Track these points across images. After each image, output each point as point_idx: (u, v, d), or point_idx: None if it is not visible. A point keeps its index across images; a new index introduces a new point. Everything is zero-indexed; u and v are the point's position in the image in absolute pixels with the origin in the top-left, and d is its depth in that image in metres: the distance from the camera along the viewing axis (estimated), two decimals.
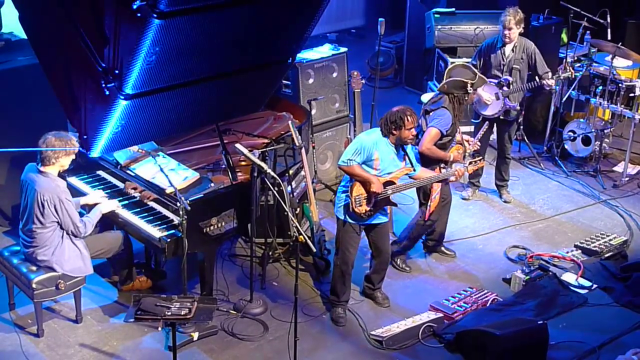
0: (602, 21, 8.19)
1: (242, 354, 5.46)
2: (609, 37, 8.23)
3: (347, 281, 5.81)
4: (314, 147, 7.00)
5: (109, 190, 5.85)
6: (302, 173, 6.59)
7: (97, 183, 6.00)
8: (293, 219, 5.54)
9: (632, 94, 7.98)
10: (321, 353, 5.53)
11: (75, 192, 5.81)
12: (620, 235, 7.00)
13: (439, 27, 8.88)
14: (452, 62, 8.16)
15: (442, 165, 6.02)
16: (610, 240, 6.88)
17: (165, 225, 5.48)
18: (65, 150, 5.22)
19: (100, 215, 5.54)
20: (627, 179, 8.06)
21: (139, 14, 3.73)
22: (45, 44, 4.51)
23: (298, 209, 6.39)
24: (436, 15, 8.97)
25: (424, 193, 6.24)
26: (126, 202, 5.73)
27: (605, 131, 8.26)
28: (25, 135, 5.55)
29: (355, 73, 6.99)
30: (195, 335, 5.37)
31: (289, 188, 6.11)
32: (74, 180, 6.01)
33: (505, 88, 7.14)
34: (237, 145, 5.48)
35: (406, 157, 5.66)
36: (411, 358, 5.50)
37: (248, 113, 6.10)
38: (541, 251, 6.72)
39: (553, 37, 8.81)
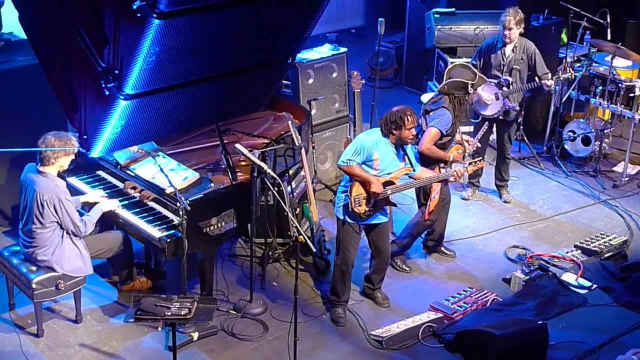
0: (602, 21, 8.19)
1: (242, 354, 5.46)
2: (609, 37, 8.23)
3: (347, 281, 5.81)
4: (313, 147, 7.00)
5: (109, 191, 5.85)
6: (302, 173, 6.59)
7: (97, 183, 6.00)
8: (293, 219, 5.54)
9: (632, 94, 7.98)
10: (321, 353, 5.53)
11: (75, 193, 5.81)
12: (620, 236, 7.00)
13: (439, 27, 8.88)
14: (451, 62, 8.16)
15: (442, 165, 6.02)
16: (610, 240, 6.88)
17: (165, 226, 5.48)
18: (64, 150, 5.21)
19: (101, 213, 5.54)
20: (626, 179, 8.06)
21: (138, 14, 3.74)
22: (45, 44, 4.51)
23: (298, 209, 6.39)
24: (436, 16, 8.97)
25: (424, 193, 6.24)
26: (126, 202, 5.73)
27: (605, 131, 8.26)
28: (25, 136, 5.55)
29: (355, 73, 6.99)
30: (195, 336, 5.37)
31: (288, 188, 6.11)
32: (73, 180, 6.01)
33: (505, 88, 7.14)
34: (237, 146, 5.48)
35: (406, 157, 5.66)
36: (411, 358, 5.50)
37: (248, 113, 6.11)
38: (541, 251, 6.72)
39: (553, 37, 8.82)
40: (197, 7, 3.94)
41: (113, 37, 3.95)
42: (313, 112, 7.25)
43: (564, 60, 8.26)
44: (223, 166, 5.75)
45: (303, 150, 6.10)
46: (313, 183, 6.69)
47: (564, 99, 8.44)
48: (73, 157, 5.41)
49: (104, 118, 4.29)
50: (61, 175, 5.48)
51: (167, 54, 4.05)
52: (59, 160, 5.28)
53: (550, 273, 6.38)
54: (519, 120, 7.79)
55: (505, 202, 7.65)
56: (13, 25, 6.81)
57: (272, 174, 5.46)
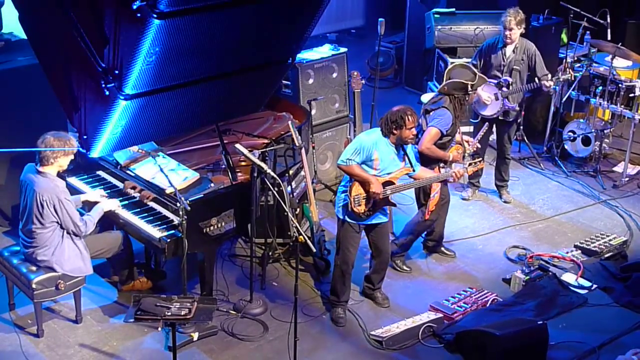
0: (602, 21, 8.19)
1: (242, 354, 5.46)
2: (609, 38, 8.23)
3: (347, 281, 5.81)
4: (313, 148, 7.00)
5: (109, 191, 5.85)
6: (302, 173, 6.59)
7: (97, 183, 6.00)
8: (293, 219, 5.55)
9: (632, 94, 7.98)
10: (321, 353, 5.53)
11: (75, 193, 5.80)
12: (620, 236, 7.00)
13: (439, 27, 8.88)
14: (451, 63, 8.15)
15: (442, 164, 6.03)
16: (610, 240, 6.88)
17: (165, 226, 5.48)
18: (63, 150, 5.21)
19: (102, 213, 5.54)
20: (627, 179, 8.06)
21: (138, 14, 3.74)
22: (45, 44, 4.51)
23: (298, 209, 6.39)
24: (436, 16, 8.97)
25: (423, 193, 6.24)
26: (126, 202, 5.73)
27: (605, 131, 8.26)
28: (25, 136, 5.55)
29: (355, 73, 6.99)
30: (195, 336, 5.37)
31: (288, 188, 6.11)
32: (73, 180, 6.01)
33: (504, 89, 7.14)
34: (237, 146, 5.48)
35: (406, 157, 5.66)
36: (411, 358, 5.50)
37: (248, 113, 6.11)
38: (541, 251, 6.72)
39: (553, 37, 8.81)
40: (197, 7, 3.94)
41: (113, 37, 3.94)
42: (313, 112, 7.25)
43: (564, 60, 8.26)
44: (223, 166, 5.75)
45: (303, 151, 6.10)
46: (313, 183, 6.69)
47: (564, 99, 8.45)
48: (72, 157, 5.41)
49: (104, 118, 4.29)
50: (61, 175, 5.48)
51: (167, 54, 4.05)
52: (58, 160, 5.28)
53: (550, 273, 6.38)
54: (518, 121, 7.79)
55: (505, 202, 7.65)
56: (13, 25, 6.81)
57: (272, 174, 5.46)
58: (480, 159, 6.28)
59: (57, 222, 5.29)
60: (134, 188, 5.76)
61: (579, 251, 6.71)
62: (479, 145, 6.43)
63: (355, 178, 5.49)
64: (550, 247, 6.88)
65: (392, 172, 5.57)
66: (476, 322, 5.68)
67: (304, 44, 5.00)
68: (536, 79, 7.15)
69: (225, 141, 5.72)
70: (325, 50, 7.63)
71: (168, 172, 5.35)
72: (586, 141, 8.30)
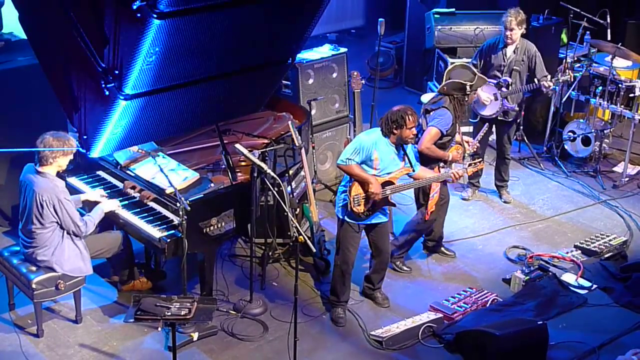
0: (602, 21, 8.19)
1: (242, 354, 5.46)
2: (609, 38, 8.23)
3: (347, 281, 5.81)
4: (313, 148, 7.00)
5: (109, 191, 5.85)
6: (302, 173, 6.59)
7: (97, 183, 6.00)
8: (293, 219, 5.55)
9: (631, 95, 7.98)
10: (321, 353, 5.53)
11: (75, 193, 5.80)
12: (620, 236, 7.00)
13: (439, 27, 8.88)
14: (451, 63, 8.15)
15: (442, 164, 6.03)
16: (610, 240, 6.88)
17: (165, 226, 5.48)
18: (63, 150, 5.21)
19: (103, 214, 5.54)
20: (626, 179, 8.06)
21: (138, 14, 3.73)
22: (45, 44, 4.50)
23: (298, 209, 6.38)
24: (436, 16, 8.97)
25: (423, 193, 6.24)
26: (126, 202, 5.73)
27: (605, 131, 8.26)
28: (25, 136, 5.55)
29: (355, 73, 6.99)
30: (195, 336, 5.37)
31: (288, 188, 6.11)
32: (73, 180, 6.01)
33: (504, 89, 7.14)
34: (237, 146, 5.48)
35: (406, 157, 5.66)
36: (411, 358, 5.50)
37: (248, 113, 6.10)
38: (541, 251, 6.72)
39: (553, 37, 8.82)
40: (197, 7, 3.94)
41: (113, 37, 3.94)
42: (313, 112, 7.25)
43: (564, 60, 8.26)
44: (223, 166, 5.75)
45: (303, 151, 6.10)
46: (313, 183, 6.69)
47: (564, 99, 8.45)
48: (72, 157, 5.40)
49: (104, 118, 4.29)
50: (61, 175, 5.48)
51: (167, 54, 4.05)
52: (58, 160, 5.28)
53: (550, 273, 6.38)
54: (518, 121, 7.80)
55: (505, 202, 7.65)
56: (13, 25, 6.81)
57: (272, 174, 5.46)
58: (480, 159, 6.28)
59: (57, 223, 5.29)
60: (133, 188, 5.76)
61: (579, 251, 6.71)
62: (479, 146, 6.43)
63: (354, 178, 5.49)
64: (550, 247, 6.88)
65: (392, 172, 5.57)
66: (476, 322, 5.68)
67: (304, 44, 5.00)
68: (535, 80, 7.15)
69: (225, 141, 5.72)
70: (325, 50, 7.64)
71: (168, 172, 5.36)
72: (586, 141, 8.30)
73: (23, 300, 5.64)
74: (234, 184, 5.60)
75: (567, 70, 7.55)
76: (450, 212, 6.68)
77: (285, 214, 5.95)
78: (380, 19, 7.49)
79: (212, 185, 5.54)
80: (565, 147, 8.48)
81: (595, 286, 6.28)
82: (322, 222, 6.86)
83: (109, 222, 5.84)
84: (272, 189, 5.49)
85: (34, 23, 4.46)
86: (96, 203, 5.64)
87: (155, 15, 3.75)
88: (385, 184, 5.54)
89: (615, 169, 8.35)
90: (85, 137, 4.53)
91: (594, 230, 7.15)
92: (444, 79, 6.25)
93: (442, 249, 6.72)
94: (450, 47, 8.82)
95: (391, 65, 10.70)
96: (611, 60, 8.02)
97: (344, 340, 5.66)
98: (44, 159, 5.24)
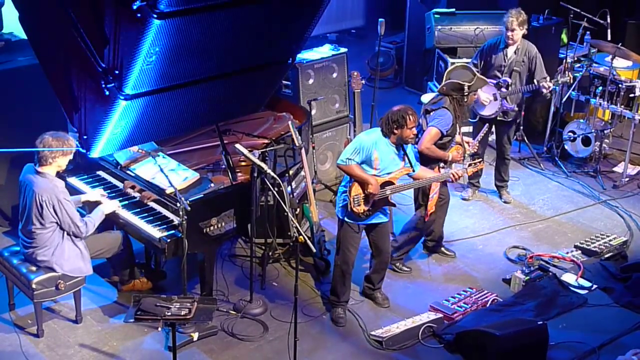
0: (602, 22, 8.19)
1: (242, 354, 5.46)
2: (609, 38, 8.23)
3: (347, 281, 5.81)
4: (313, 148, 7.00)
5: (109, 191, 5.85)
6: (302, 173, 6.59)
7: (97, 183, 6.00)
8: (293, 219, 5.55)
9: (632, 95, 7.99)
10: (321, 353, 5.53)
11: (75, 193, 5.81)
12: (620, 236, 7.00)
13: (439, 27, 8.88)
14: (452, 63, 8.16)
15: (442, 165, 6.03)
16: (610, 240, 6.88)
17: (165, 226, 5.48)
18: (62, 150, 5.20)
19: (103, 216, 5.53)
20: (627, 179, 8.06)
21: (139, 14, 3.73)
22: (45, 44, 4.51)
23: (298, 210, 6.38)
24: (436, 16, 8.97)
25: (422, 194, 6.24)
26: (126, 202, 5.73)
27: (605, 132, 8.26)
28: (25, 136, 5.55)
29: (355, 73, 6.99)
30: (195, 336, 5.37)
31: (288, 188, 6.11)
32: (73, 180, 6.01)
33: (503, 89, 7.14)
34: (237, 146, 5.48)
35: (406, 157, 5.66)
36: (411, 358, 5.50)
37: (248, 113, 6.10)
38: (541, 252, 6.72)
39: (553, 37, 8.82)
40: (197, 7, 3.94)
41: (113, 37, 3.94)
42: (313, 112, 7.25)
43: (564, 60, 8.26)
44: (223, 166, 5.75)
45: (303, 151, 6.10)
46: (313, 183, 6.69)
47: (564, 100, 8.45)
48: (71, 157, 5.40)
49: (104, 118, 4.29)
50: (61, 175, 5.47)
51: (167, 54, 4.05)
52: (57, 160, 5.27)
53: (550, 273, 6.38)
54: (518, 121, 7.80)
55: (505, 202, 7.65)
56: (13, 26, 6.81)
57: (272, 174, 5.46)
58: (480, 159, 6.28)
59: (57, 223, 5.29)
60: (133, 188, 5.76)
61: (579, 251, 6.71)
62: (479, 146, 6.43)
63: (354, 178, 5.49)
64: (550, 247, 6.88)
65: (392, 172, 5.57)
66: (476, 323, 5.68)
67: (304, 44, 5.00)
68: (535, 81, 7.15)
69: (225, 141, 5.72)
70: (325, 51, 7.64)
71: (168, 172, 5.35)
72: (586, 141, 8.30)
73: (23, 300, 5.64)
74: (234, 184, 5.60)
75: (566, 72, 7.56)
76: (451, 212, 6.68)
77: (285, 214, 5.95)
78: (380, 19, 7.49)
79: (212, 185, 5.54)
80: (566, 147, 8.47)
81: (595, 286, 6.28)
82: (322, 222, 6.86)
83: (109, 222, 5.84)
84: (272, 189, 5.49)
85: (34, 23, 4.46)
86: (96, 204, 5.64)
87: (155, 15, 3.75)
88: (385, 184, 5.54)
89: (615, 169, 8.35)
90: (85, 137, 4.53)
91: (594, 231, 7.15)
92: (444, 79, 6.25)
93: (442, 249, 6.72)
94: (450, 47, 8.82)
95: (391, 65, 10.70)
96: (611, 61, 8.02)
97: (344, 341, 5.66)
98: (44, 159, 5.23)
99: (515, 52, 7.14)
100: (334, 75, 7.59)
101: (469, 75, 6.15)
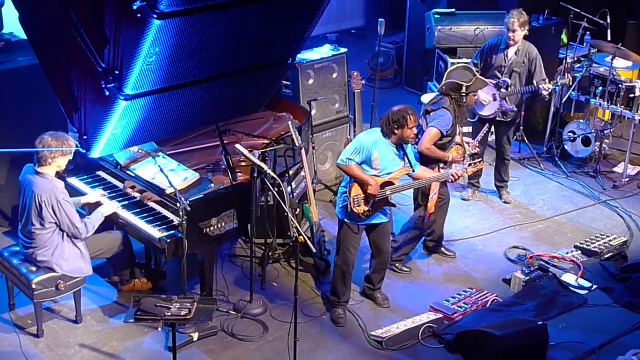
0: (602, 22, 8.19)
1: (242, 354, 5.46)
2: (609, 38, 8.23)
3: (347, 281, 5.81)
4: (313, 148, 7.00)
5: (109, 191, 5.85)
6: (302, 173, 6.59)
7: (97, 184, 5.99)
8: (293, 219, 5.55)
9: (632, 95, 7.99)
10: (321, 354, 5.53)
11: (75, 193, 5.81)
12: (620, 236, 7.00)
13: (439, 27, 8.88)
14: (452, 63, 8.16)
15: (442, 165, 6.03)
16: (610, 240, 6.88)
17: (165, 226, 5.48)
18: (61, 150, 5.20)
19: (103, 218, 5.52)
20: (626, 179, 8.06)
21: (139, 15, 3.73)
22: (45, 44, 4.51)
23: (298, 210, 6.38)
24: (436, 16, 8.97)
25: (422, 194, 6.25)
26: (126, 202, 5.73)
27: (605, 132, 8.26)
28: (26, 136, 5.54)
29: (355, 73, 6.99)
30: (195, 336, 5.38)
31: (288, 188, 6.11)
32: (73, 180, 6.01)
33: (503, 90, 7.14)
34: (237, 146, 5.48)
35: (405, 157, 5.66)
36: (411, 358, 5.50)
37: (248, 113, 6.10)
38: (541, 252, 6.72)
39: (553, 37, 8.82)
40: (197, 8, 3.94)
41: (113, 37, 3.94)
42: (313, 112, 7.25)
43: (564, 60, 8.26)
44: (223, 166, 5.75)
45: (303, 151, 6.10)
46: (313, 183, 6.69)
47: (564, 100, 8.45)
48: (71, 157, 5.39)
49: (104, 118, 4.29)
50: (61, 175, 5.47)
51: (167, 54, 4.05)
52: (56, 161, 5.26)
53: (550, 273, 6.38)
54: (517, 121, 7.80)
55: (505, 202, 7.65)
56: (13, 26, 6.81)
57: (272, 174, 5.46)
58: (480, 159, 6.28)
59: (56, 223, 5.28)
60: (132, 188, 5.76)
61: (579, 251, 6.71)
62: (478, 146, 6.43)
63: (353, 178, 5.49)
64: (550, 247, 6.88)
65: (391, 172, 5.57)
66: (476, 323, 5.68)
67: (304, 44, 5.00)
68: (534, 82, 7.15)
69: (225, 141, 5.72)
70: (325, 51, 7.64)
71: (168, 172, 5.35)
72: (586, 141, 8.30)
73: (23, 300, 5.64)
74: (234, 184, 5.59)
75: (566, 74, 7.56)
76: (451, 213, 6.68)
77: (285, 214, 5.95)
78: (380, 19, 7.50)
79: (212, 185, 5.54)
80: (565, 147, 8.47)
81: (595, 286, 6.28)
82: (322, 222, 6.86)
83: (109, 222, 5.83)
84: (272, 189, 5.49)
85: (34, 23, 4.47)
86: (96, 205, 5.64)
87: (155, 16, 3.75)
88: (385, 184, 5.54)
89: (615, 169, 8.35)
90: (85, 137, 4.53)
91: (594, 231, 7.15)
92: (444, 79, 6.25)
93: (442, 249, 6.72)
94: (450, 48, 8.82)
95: (391, 65, 10.70)
96: (611, 61, 8.02)
97: (344, 341, 5.66)
98: (43, 159, 5.23)
99: (515, 53, 7.14)
100: (334, 75, 7.59)
101: (469, 76, 6.16)
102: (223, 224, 5.55)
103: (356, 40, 12.05)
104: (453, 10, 9.04)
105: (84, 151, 4.67)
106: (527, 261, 6.55)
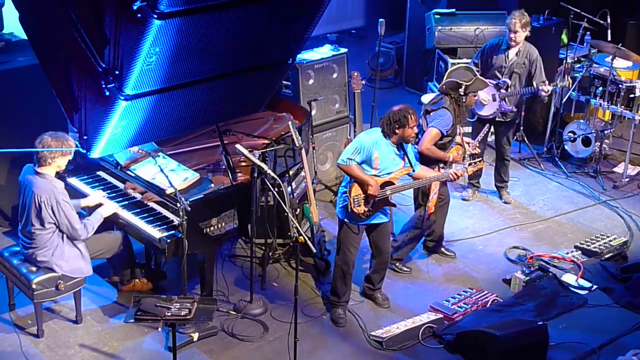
0: (602, 22, 8.19)
1: (242, 354, 5.46)
2: (609, 38, 8.23)
3: (347, 281, 5.81)
4: (314, 148, 7.00)
5: (109, 191, 5.85)
6: (302, 174, 6.59)
7: (97, 184, 5.99)
8: (293, 219, 5.55)
9: (632, 95, 7.99)
10: (321, 354, 5.53)
11: (76, 193, 5.81)
12: (620, 236, 7.00)
13: (439, 27, 8.88)
14: (452, 63, 8.16)
15: (442, 165, 6.03)
16: (610, 241, 6.88)
17: (165, 226, 5.48)
18: (61, 150, 5.19)
19: (102, 219, 5.52)
20: (627, 179, 8.06)
21: (139, 15, 3.73)
22: (45, 45, 4.51)
23: (298, 210, 6.38)
24: (436, 16, 8.97)
25: (422, 194, 6.24)
26: (126, 202, 5.73)
27: (606, 132, 8.26)
28: (26, 136, 5.54)
29: (356, 74, 6.99)
30: (195, 336, 5.38)
31: (289, 189, 6.11)
32: (74, 181, 6.00)
33: (502, 90, 7.14)
34: (237, 146, 5.48)
35: (406, 157, 5.66)
36: (411, 359, 5.50)
37: (248, 113, 6.10)
38: (541, 252, 6.72)
39: (553, 38, 8.82)
40: (197, 8, 3.94)
41: (113, 38, 3.94)
42: (313, 112, 7.25)
43: (564, 61, 8.26)
44: (223, 167, 5.75)
45: (303, 151, 6.10)
46: (313, 184, 6.69)
47: (564, 100, 8.45)
48: (71, 157, 5.38)
49: (104, 118, 4.29)
50: (61, 176, 5.47)
51: (167, 54, 4.05)
52: (56, 161, 5.26)
53: (550, 274, 6.38)
54: (517, 122, 7.80)
55: (505, 202, 7.65)
56: (13, 26, 6.81)
57: (272, 174, 5.46)
58: (480, 159, 6.28)
59: (55, 224, 5.28)
60: (134, 189, 5.76)
61: (579, 252, 6.71)
62: (478, 146, 6.43)
63: (353, 178, 5.48)
64: (551, 247, 6.88)
65: (392, 172, 5.57)
66: (476, 323, 5.68)
67: (304, 45, 5.00)
68: (534, 83, 7.14)
69: (225, 141, 5.71)
70: (325, 51, 7.64)
71: (168, 173, 5.35)
72: (586, 142, 8.30)
73: (23, 300, 5.64)
74: (234, 185, 5.59)
75: (565, 76, 7.56)
76: (451, 213, 6.68)
77: (286, 214, 5.95)
78: (380, 20, 7.50)
79: (213, 185, 5.54)
80: (566, 147, 8.47)
81: (595, 287, 6.28)
82: (323, 222, 6.86)
83: (109, 222, 5.83)
84: (272, 189, 5.49)
85: (34, 23, 4.47)
86: (96, 206, 5.63)
87: (155, 16, 3.75)
88: (385, 184, 5.54)
89: (615, 169, 8.35)
90: (85, 137, 4.53)
91: (594, 231, 7.15)
92: (445, 79, 6.25)
93: (442, 249, 6.72)
94: (450, 48, 8.82)
95: (391, 65, 10.70)
96: (611, 61, 8.02)
97: (344, 341, 5.66)
98: (43, 159, 5.23)
99: (516, 54, 7.13)
100: (334, 75, 7.59)
101: (469, 76, 6.16)
102: (223, 224, 5.55)
103: (356, 41, 12.05)
104: (453, 10, 9.04)
105: (84, 151, 4.66)
106: (527, 261, 6.55)
